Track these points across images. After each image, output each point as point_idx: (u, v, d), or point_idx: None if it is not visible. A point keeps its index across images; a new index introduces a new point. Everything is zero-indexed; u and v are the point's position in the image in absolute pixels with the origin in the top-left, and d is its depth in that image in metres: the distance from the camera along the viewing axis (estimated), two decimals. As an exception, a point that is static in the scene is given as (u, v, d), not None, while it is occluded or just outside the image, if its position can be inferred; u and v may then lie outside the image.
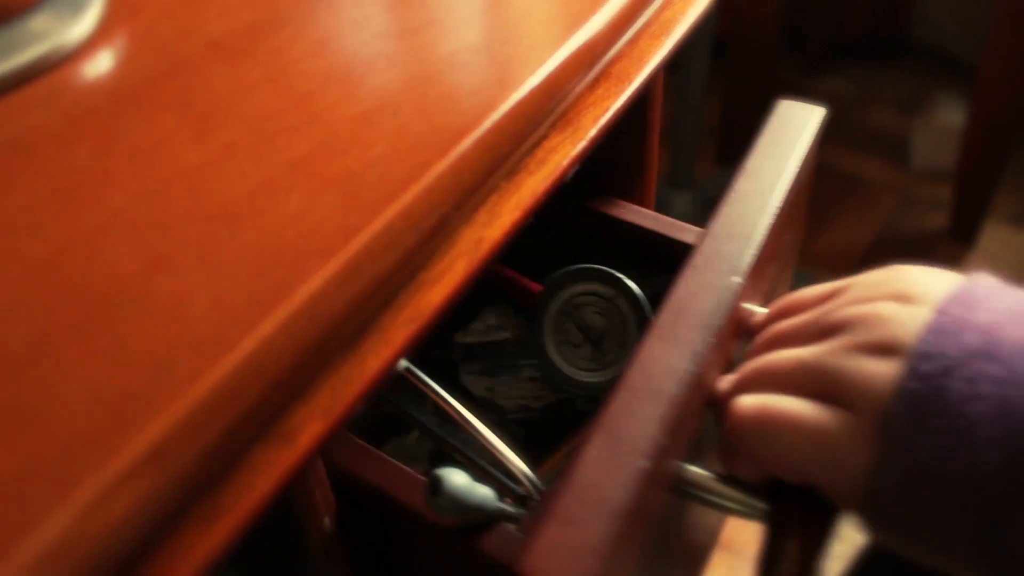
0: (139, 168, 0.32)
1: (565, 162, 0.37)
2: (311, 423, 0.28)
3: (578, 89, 0.39)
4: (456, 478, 0.39)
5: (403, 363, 0.46)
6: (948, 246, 1.65)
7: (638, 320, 0.54)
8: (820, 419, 0.33)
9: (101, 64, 0.38)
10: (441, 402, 0.48)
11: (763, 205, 0.41)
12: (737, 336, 0.41)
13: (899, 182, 1.77)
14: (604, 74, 0.41)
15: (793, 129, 0.46)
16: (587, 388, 0.56)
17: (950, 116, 1.75)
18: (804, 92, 1.97)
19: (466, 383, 0.62)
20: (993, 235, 1.65)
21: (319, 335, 0.28)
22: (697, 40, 1.40)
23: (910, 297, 0.35)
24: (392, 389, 0.53)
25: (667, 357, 0.34)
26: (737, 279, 0.37)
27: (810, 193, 0.48)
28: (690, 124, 1.50)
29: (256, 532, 0.27)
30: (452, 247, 0.33)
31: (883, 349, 0.33)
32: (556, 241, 0.61)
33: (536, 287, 0.59)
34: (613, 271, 0.54)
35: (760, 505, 0.36)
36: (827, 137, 1.84)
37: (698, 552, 0.56)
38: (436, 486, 0.39)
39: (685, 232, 0.55)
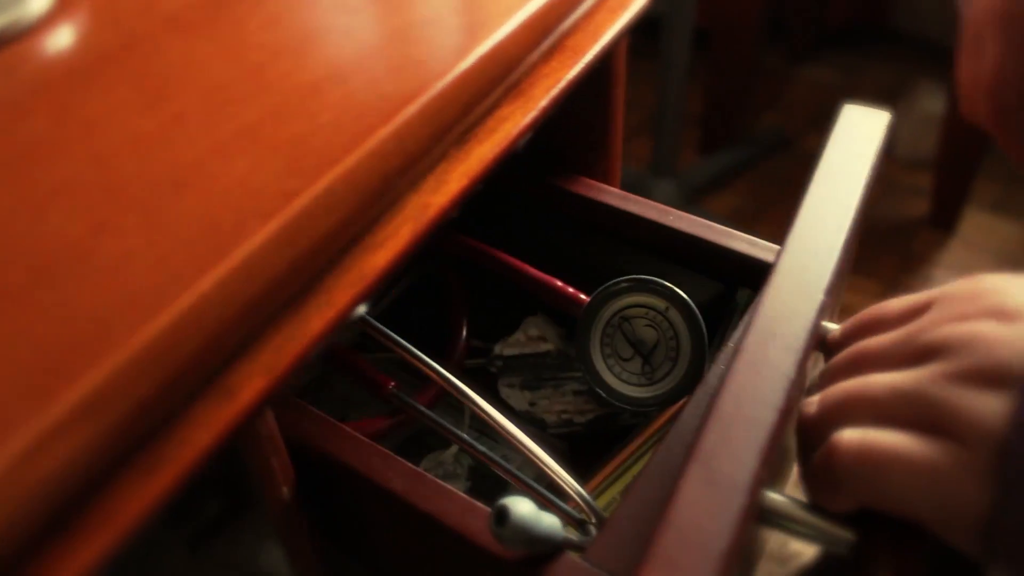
0: (91, 137, 0.33)
1: (515, 131, 0.37)
2: (253, 379, 0.28)
3: (531, 60, 0.40)
4: (522, 507, 0.36)
5: (361, 310, 0.44)
6: (929, 233, 1.66)
7: (692, 335, 0.52)
8: (929, 455, 0.31)
9: (59, 38, 0.39)
10: (482, 414, 0.47)
11: (839, 217, 0.40)
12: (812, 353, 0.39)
13: (881, 170, 1.78)
14: (559, 47, 0.42)
15: (861, 135, 0.45)
16: (636, 403, 0.54)
17: (932, 104, 1.76)
18: (787, 81, 1.98)
19: (506, 396, 0.59)
20: (973, 222, 1.66)
21: (259, 293, 0.28)
22: (679, 29, 1.41)
23: (1010, 314, 0.33)
24: (430, 404, 0.52)
25: (758, 383, 0.33)
26: (821, 296, 0.36)
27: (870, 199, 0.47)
28: (672, 113, 1.51)
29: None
30: (398, 212, 0.33)
31: (990, 376, 0.31)
32: (526, 219, 0.61)
33: (578, 295, 0.56)
34: (666, 283, 0.52)
35: (847, 536, 0.34)
36: (810, 126, 1.85)
37: (750, 565, 0.54)
38: (502, 516, 0.36)
39: (668, 216, 0.55)
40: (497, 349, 0.60)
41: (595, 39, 0.43)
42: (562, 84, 0.40)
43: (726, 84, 1.75)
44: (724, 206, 1.67)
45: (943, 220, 1.67)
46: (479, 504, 0.40)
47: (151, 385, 0.25)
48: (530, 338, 0.61)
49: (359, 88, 0.34)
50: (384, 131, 0.32)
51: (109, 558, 0.24)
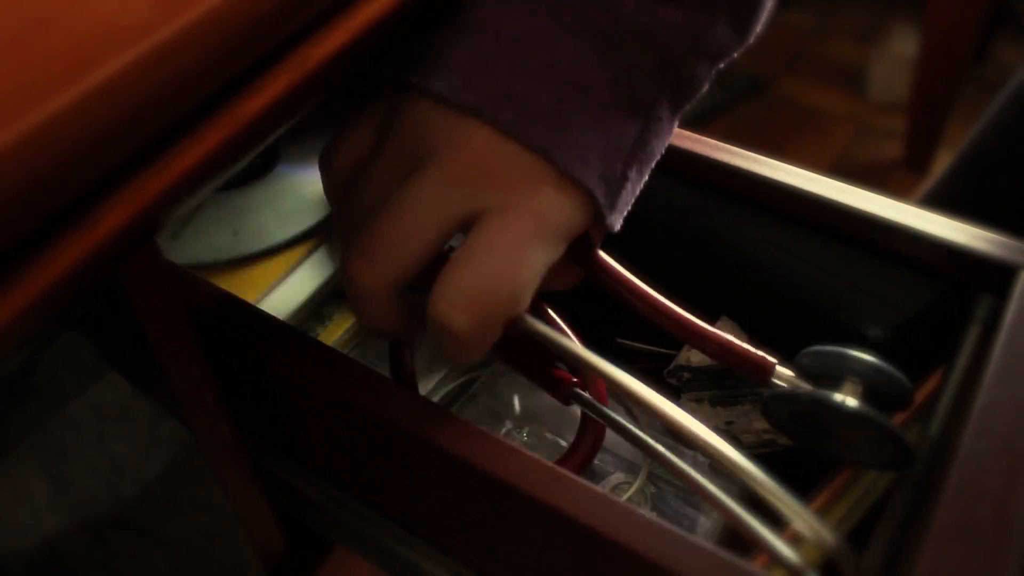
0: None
1: (406, -8, 0.37)
2: (113, 212, 0.29)
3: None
4: None
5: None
6: (903, 175, 1.66)
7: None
8: (479, 242, 0.37)
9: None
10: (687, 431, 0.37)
11: None
12: None
13: (855, 113, 1.78)
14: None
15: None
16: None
17: (905, 46, 1.75)
18: (764, 25, 1.97)
19: (691, 413, 0.48)
20: (946, 164, 1.66)
21: (119, 119, 0.28)
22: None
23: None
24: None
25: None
26: None
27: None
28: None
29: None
30: (277, 61, 0.33)
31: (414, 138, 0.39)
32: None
33: (766, 362, 0.42)
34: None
35: None
36: (785, 69, 1.84)
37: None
38: None
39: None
40: (682, 358, 0.52)
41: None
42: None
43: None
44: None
45: (917, 162, 1.67)
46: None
47: (4, 203, 0.25)
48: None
49: (239, -63, 0.34)
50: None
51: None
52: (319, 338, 0.52)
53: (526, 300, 0.37)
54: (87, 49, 0.28)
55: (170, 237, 0.51)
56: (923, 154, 1.64)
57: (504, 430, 0.50)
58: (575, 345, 0.39)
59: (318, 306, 0.50)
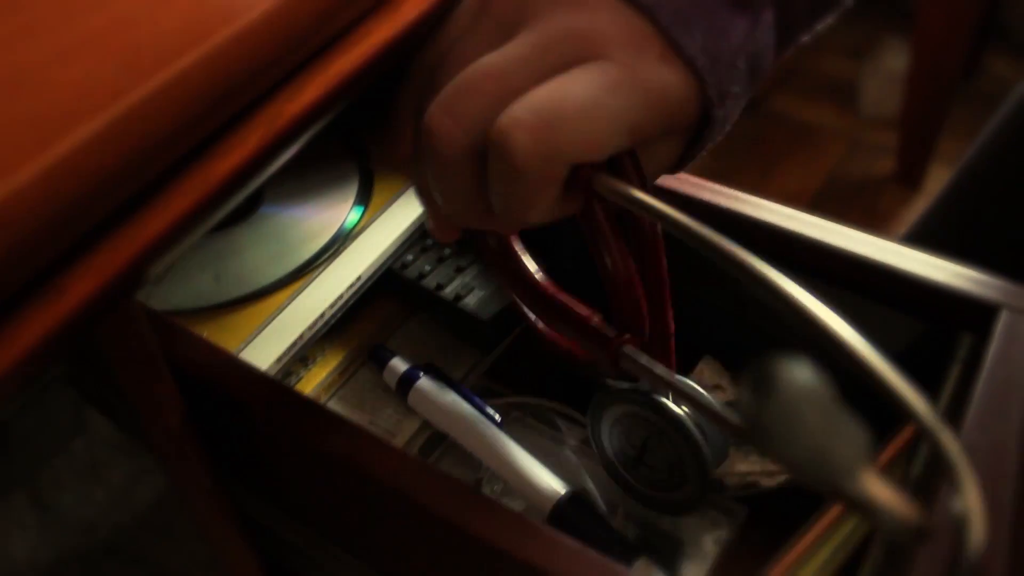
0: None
1: (380, 44, 0.37)
2: (82, 281, 0.28)
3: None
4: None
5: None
6: (895, 191, 1.66)
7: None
8: (599, 78, 0.32)
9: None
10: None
11: None
12: None
13: (848, 128, 1.78)
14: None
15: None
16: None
17: (896, 61, 1.76)
18: (756, 42, 1.97)
19: None
20: (938, 179, 1.66)
21: (85, 191, 0.28)
22: None
23: None
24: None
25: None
26: None
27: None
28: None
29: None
30: (248, 119, 0.33)
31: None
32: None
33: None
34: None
35: None
36: (777, 85, 1.85)
37: None
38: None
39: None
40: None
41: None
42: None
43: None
44: (692, 167, 1.66)
45: (909, 177, 1.67)
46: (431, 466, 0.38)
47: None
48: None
49: (210, -4, 0.34)
50: (223, 35, 0.31)
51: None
52: (302, 381, 0.52)
53: (602, 146, 0.33)
54: (52, 119, 0.28)
55: (151, 282, 0.51)
56: (915, 169, 1.64)
57: (483, 478, 0.50)
58: (669, 209, 0.34)
59: (302, 349, 0.50)
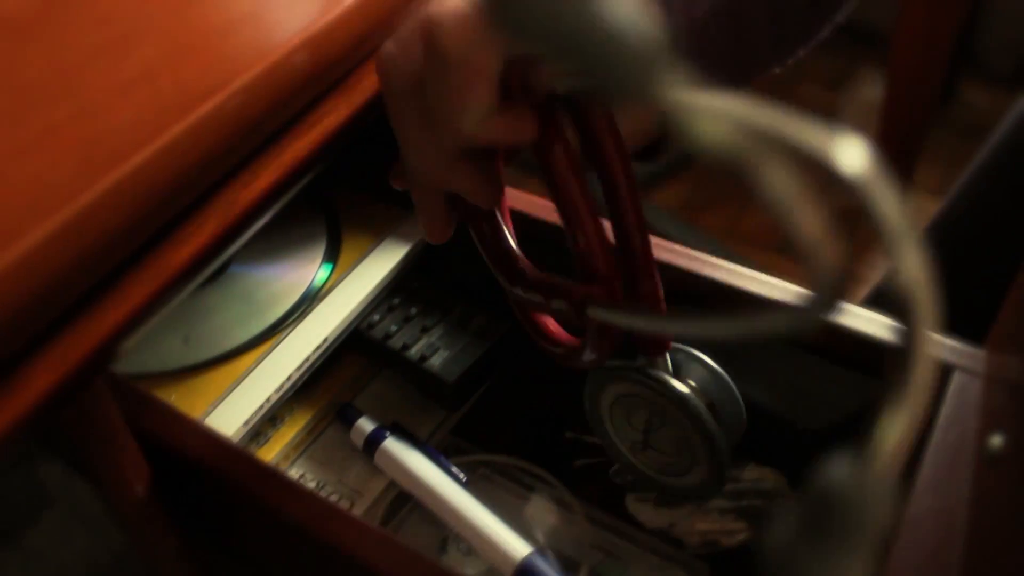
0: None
1: (335, 126, 0.38)
2: (39, 376, 0.29)
3: (358, 56, 0.40)
4: None
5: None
6: (874, 219, 1.68)
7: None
8: None
9: None
10: None
11: None
12: None
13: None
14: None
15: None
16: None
17: (874, 91, 1.78)
18: (736, 71, 1.99)
19: (635, 512, 0.51)
20: (917, 208, 1.68)
21: (43, 286, 0.29)
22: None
23: None
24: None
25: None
26: None
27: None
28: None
29: None
30: (203, 208, 0.34)
31: None
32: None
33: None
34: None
35: None
36: (756, 115, 1.86)
37: None
38: None
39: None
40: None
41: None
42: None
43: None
44: (673, 198, 1.68)
45: (887, 206, 1.68)
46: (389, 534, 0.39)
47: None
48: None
49: (166, 87, 0.35)
50: (177, 128, 0.32)
51: None
52: (270, 441, 0.53)
53: None
54: (9, 219, 0.29)
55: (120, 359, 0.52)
56: (894, 197, 1.66)
57: (448, 537, 0.50)
58: None
59: (270, 410, 0.51)
